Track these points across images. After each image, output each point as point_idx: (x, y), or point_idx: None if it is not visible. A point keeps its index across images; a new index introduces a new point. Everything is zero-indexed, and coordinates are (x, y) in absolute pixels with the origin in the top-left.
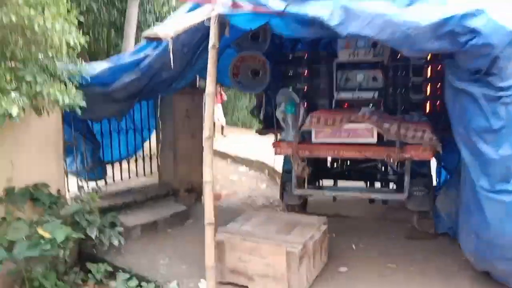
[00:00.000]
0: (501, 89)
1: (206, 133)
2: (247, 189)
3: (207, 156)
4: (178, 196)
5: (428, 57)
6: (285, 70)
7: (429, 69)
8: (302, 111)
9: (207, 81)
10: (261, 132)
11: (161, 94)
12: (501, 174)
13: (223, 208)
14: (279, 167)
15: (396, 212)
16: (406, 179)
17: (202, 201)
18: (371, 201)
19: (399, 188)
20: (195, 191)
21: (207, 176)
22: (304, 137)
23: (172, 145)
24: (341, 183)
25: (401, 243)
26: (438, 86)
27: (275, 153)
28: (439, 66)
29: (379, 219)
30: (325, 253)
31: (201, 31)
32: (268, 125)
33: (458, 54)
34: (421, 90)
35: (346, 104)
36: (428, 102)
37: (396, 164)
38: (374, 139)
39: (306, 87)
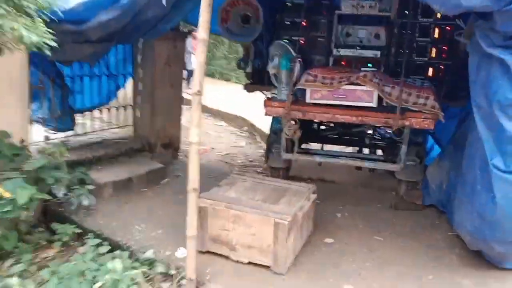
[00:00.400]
0: None
1: (196, 87)
2: (225, 145)
3: (195, 113)
4: (154, 151)
5: (438, 15)
6: (280, 19)
7: (436, 30)
8: (297, 67)
9: (199, 25)
10: (249, 88)
11: (142, 37)
12: None
13: (201, 166)
14: (259, 124)
15: (382, 180)
16: (403, 148)
17: (179, 158)
18: (358, 167)
19: (391, 156)
20: (172, 146)
21: (194, 136)
22: (297, 97)
23: (150, 95)
24: (328, 147)
25: (387, 214)
26: (444, 50)
27: (266, 113)
28: (448, 27)
29: (365, 186)
30: (312, 222)
31: None
32: (257, 80)
33: (496, 14)
34: (426, 52)
35: (344, 61)
36: (432, 66)
37: (393, 131)
38: (374, 103)
39: (303, 40)
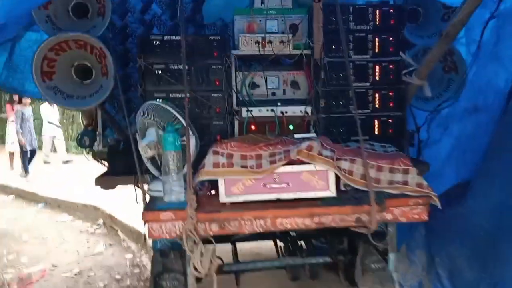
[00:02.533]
0: None
1: None
2: (74, 256)
3: None
4: None
5: (376, 48)
6: (146, 68)
7: (377, 69)
8: (193, 143)
9: None
10: (104, 183)
11: None
12: None
13: None
14: (120, 214)
15: None
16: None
17: None
18: (294, 277)
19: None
20: None
21: None
22: (198, 194)
23: None
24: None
25: None
26: (389, 97)
27: (151, 236)
28: (391, 65)
29: None
30: None
31: None
32: (117, 167)
33: None
34: (366, 102)
35: (254, 125)
36: (378, 119)
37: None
38: (332, 191)
39: (189, 95)
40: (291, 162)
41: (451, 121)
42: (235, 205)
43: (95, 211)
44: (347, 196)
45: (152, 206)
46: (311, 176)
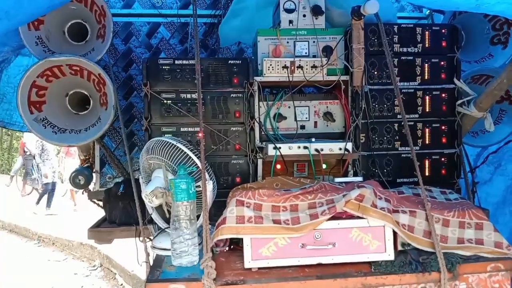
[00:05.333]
0: None
1: None
2: None
3: None
4: None
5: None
6: (153, 96)
7: (427, 96)
8: (210, 188)
9: None
10: (97, 235)
11: None
12: None
13: None
14: (118, 255)
15: None
16: None
17: None
18: None
19: None
20: None
21: None
22: (214, 254)
23: None
24: None
25: None
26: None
27: None
28: (443, 94)
29: None
30: None
31: None
32: (117, 216)
33: None
34: (414, 136)
35: (281, 165)
36: (426, 159)
37: None
38: (390, 253)
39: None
40: (336, 216)
41: (504, 158)
42: (264, 272)
43: (91, 250)
44: (407, 259)
45: (157, 275)
46: (363, 234)
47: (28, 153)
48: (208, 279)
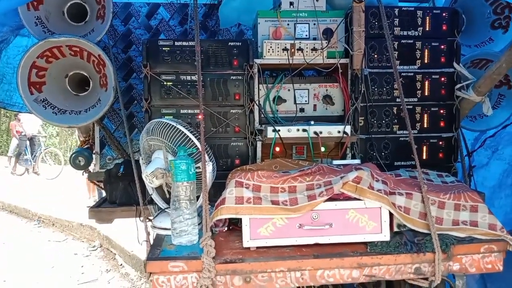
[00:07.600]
0: None
1: None
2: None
3: None
4: None
5: (425, 58)
6: (153, 77)
7: (427, 80)
8: (209, 170)
9: None
10: (100, 217)
11: None
12: None
13: None
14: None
15: None
16: None
17: None
18: None
19: None
20: None
21: None
22: (214, 234)
23: None
24: None
25: None
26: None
27: None
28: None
29: None
30: None
31: None
32: (117, 196)
33: None
34: (413, 119)
35: (280, 148)
36: (424, 142)
37: None
38: (386, 234)
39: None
40: (334, 198)
41: (502, 143)
42: (262, 251)
43: (90, 231)
44: (403, 240)
45: (157, 253)
46: (360, 215)
47: (23, 133)
48: (207, 257)
